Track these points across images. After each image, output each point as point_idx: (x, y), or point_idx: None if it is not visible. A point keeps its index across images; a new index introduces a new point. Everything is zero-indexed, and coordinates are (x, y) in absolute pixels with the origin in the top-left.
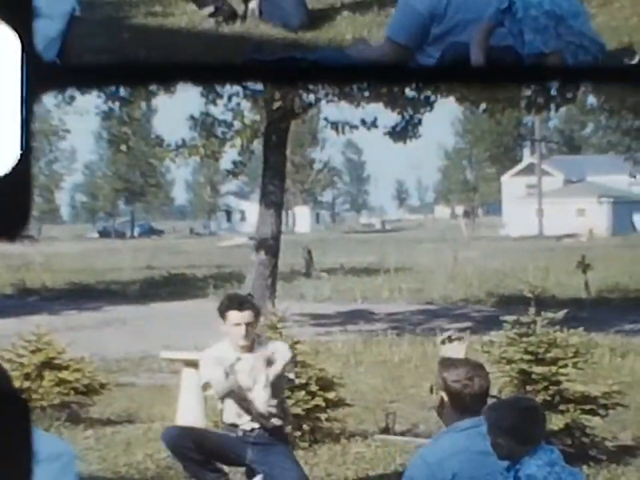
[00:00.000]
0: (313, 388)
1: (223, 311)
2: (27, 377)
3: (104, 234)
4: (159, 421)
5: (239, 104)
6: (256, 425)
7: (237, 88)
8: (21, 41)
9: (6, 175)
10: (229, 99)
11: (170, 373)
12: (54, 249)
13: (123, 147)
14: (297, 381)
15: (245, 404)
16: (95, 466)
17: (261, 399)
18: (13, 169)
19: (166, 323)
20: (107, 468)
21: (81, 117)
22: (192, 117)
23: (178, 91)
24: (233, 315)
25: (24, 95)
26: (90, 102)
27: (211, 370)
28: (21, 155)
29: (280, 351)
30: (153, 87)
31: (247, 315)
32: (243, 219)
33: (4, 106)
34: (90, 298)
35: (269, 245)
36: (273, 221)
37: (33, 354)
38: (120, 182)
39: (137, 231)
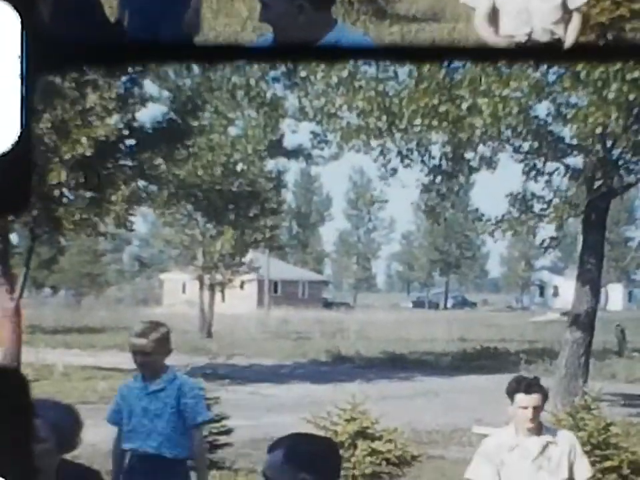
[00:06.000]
0: (625, 471)
1: (511, 393)
2: (340, 445)
3: (418, 304)
4: None
5: (559, 182)
6: None
7: (557, 164)
8: (22, 20)
9: (6, 153)
10: (550, 175)
11: None
12: (369, 316)
13: (440, 219)
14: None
15: None
16: None
17: None
18: (13, 146)
19: (477, 396)
20: None
21: (403, 188)
22: (511, 194)
23: (499, 167)
24: (520, 398)
25: (24, 73)
26: (412, 175)
27: (479, 470)
28: (21, 132)
29: (559, 434)
30: (474, 164)
31: (534, 398)
32: (555, 294)
33: (4, 84)
34: (403, 368)
35: (584, 323)
36: (589, 299)
37: (348, 423)
38: (436, 253)
39: (450, 302)
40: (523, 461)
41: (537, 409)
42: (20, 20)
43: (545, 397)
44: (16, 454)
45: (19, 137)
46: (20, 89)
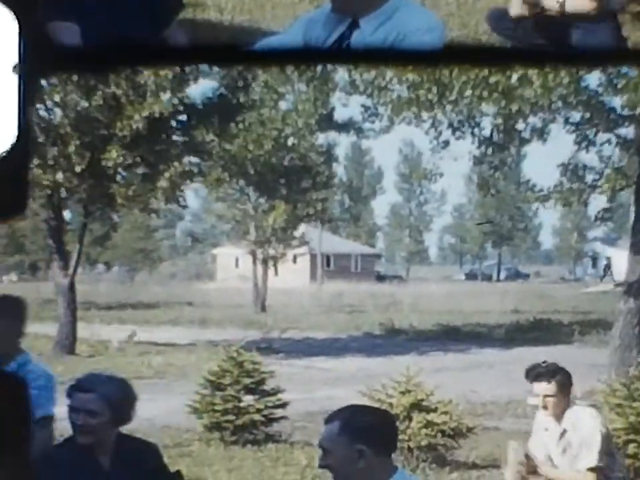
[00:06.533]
0: None
1: (528, 380)
2: (395, 417)
3: (470, 276)
4: None
5: (611, 152)
6: None
7: (608, 135)
8: (20, 23)
9: (3, 157)
10: (601, 146)
11: None
12: (422, 289)
13: (492, 191)
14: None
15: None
16: None
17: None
18: (10, 150)
19: None
20: None
21: (454, 161)
22: (563, 164)
23: (550, 138)
24: (532, 386)
25: (22, 77)
26: (463, 147)
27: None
28: (18, 136)
29: (581, 420)
30: (525, 135)
31: (541, 387)
32: (608, 265)
33: (1, 88)
34: (456, 340)
35: (637, 293)
36: None
37: (403, 395)
38: (488, 225)
39: (503, 274)
40: (551, 443)
41: (549, 397)
42: (17, 22)
43: (562, 384)
44: (12, 460)
45: (16, 141)
46: (17, 93)
